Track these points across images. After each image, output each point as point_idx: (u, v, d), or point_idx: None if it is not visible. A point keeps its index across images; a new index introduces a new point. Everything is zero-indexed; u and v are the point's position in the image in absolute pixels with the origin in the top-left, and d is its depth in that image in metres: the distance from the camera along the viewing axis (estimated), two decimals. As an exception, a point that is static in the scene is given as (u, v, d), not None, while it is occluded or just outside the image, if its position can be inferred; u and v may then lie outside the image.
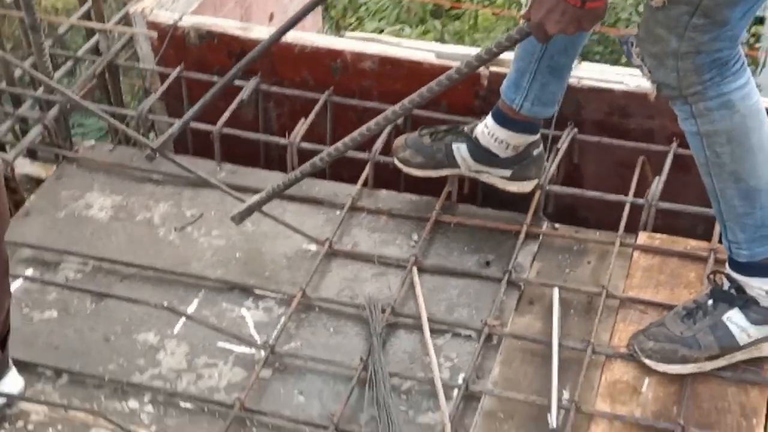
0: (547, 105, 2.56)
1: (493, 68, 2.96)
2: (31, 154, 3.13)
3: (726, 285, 2.30)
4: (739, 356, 2.29)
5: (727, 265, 2.31)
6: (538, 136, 2.66)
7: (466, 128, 2.69)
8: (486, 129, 2.63)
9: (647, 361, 2.31)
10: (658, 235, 2.67)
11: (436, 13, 5.88)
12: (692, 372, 2.29)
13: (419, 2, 5.84)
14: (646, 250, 2.64)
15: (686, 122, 2.16)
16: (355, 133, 2.45)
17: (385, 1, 5.88)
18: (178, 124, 2.74)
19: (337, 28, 5.87)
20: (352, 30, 5.76)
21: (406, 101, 2.36)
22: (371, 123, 2.42)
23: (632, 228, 2.71)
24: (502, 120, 2.59)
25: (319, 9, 4.37)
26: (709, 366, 2.29)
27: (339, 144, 2.49)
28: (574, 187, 2.90)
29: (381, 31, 5.65)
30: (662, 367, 2.30)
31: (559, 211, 2.93)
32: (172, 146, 3.41)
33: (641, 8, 5.13)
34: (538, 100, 2.54)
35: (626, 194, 2.77)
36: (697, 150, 2.19)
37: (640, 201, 2.70)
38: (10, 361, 2.30)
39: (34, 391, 2.34)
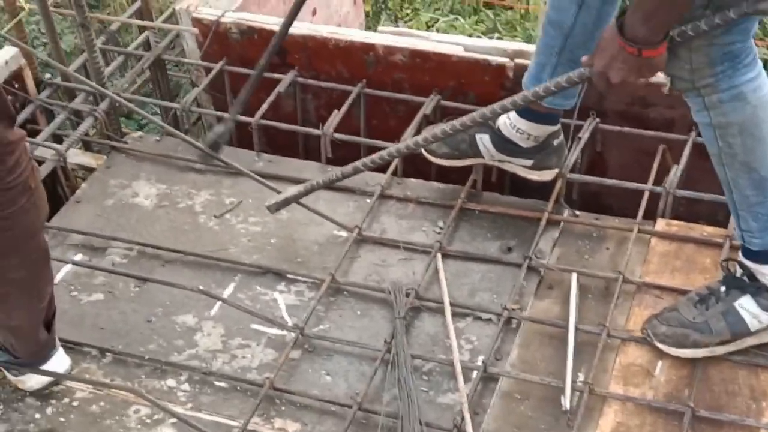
0: (567, 97, 2.51)
1: (519, 60, 2.91)
2: (87, 145, 3.16)
3: (738, 272, 2.24)
4: (750, 341, 2.23)
5: (740, 252, 2.25)
6: (558, 126, 2.61)
7: (489, 120, 2.64)
8: (508, 120, 2.58)
9: (660, 345, 2.26)
10: (676, 222, 2.61)
11: (490, 4, 5.80)
12: (704, 356, 2.24)
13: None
14: (663, 236, 2.58)
15: (699, 114, 2.10)
16: (394, 149, 2.45)
17: (441, -10, 5.83)
18: (224, 126, 2.70)
19: (395, 19, 5.83)
20: (408, 20, 5.72)
21: (457, 122, 2.33)
22: (411, 142, 2.44)
23: (654, 215, 2.66)
24: (524, 111, 2.54)
25: (361, 4, 4.34)
26: (720, 351, 2.23)
27: (375, 156, 2.47)
28: (598, 175, 2.84)
29: (436, 21, 5.60)
30: (674, 351, 2.25)
31: (584, 198, 2.88)
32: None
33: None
34: (560, 93, 2.48)
35: (647, 182, 2.71)
36: (710, 141, 2.12)
37: (659, 189, 2.63)
38: (57, 342, 2.32)
39: (80, 370, 2.37)
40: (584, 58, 2.06)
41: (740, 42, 1.99)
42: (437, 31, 5.29)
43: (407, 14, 5.94)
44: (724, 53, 1.99)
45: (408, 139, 2.47)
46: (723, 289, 2.24)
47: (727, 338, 2.21)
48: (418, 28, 5.26)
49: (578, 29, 2.32)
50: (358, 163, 2.49)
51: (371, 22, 5.57)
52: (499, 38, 4.98)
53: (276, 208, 2.64)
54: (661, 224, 2.61)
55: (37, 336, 2.21)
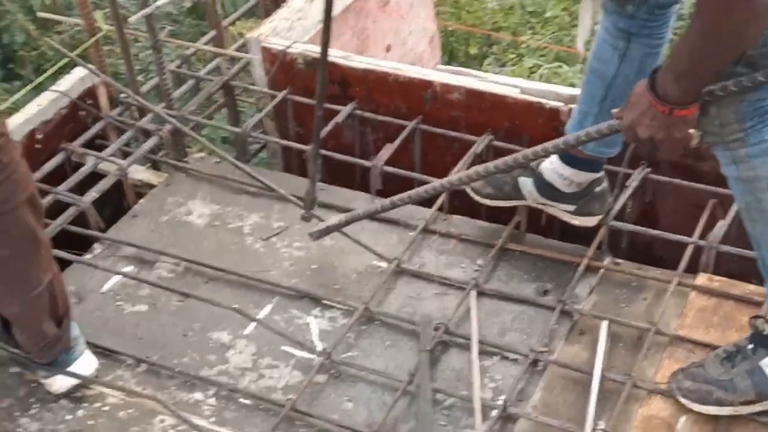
0: (610, 146, 2.50)
1: (573, 105, 2.90)
2: (153, 162, 3.28)
3: (767, 330, 2.19)
4: (776, 403, 2.18)
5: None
6: (601, 173, 2.60)
7: (533, 163, 2.65)
8: (551, 165, 2.59)
9: (683, 400, 2.23)
10: (717, 278, 2.57)
11: None
12: (727, 414, 2.19)
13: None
14: (703, 291, 2.54)
15: (727, 167, 2.08)
16: (429, 186, 2.51)
17: (547, 39, 5.84)
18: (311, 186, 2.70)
19: (502, 65, 5.89)
20: (513, 66, 5.75)
21: (480, 168, 2.38)
22: (446, 181, 2.49)
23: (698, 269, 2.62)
24: (567, 158, 2.55)
25: (437, 44, 4.40)
26: (744, 410, 2.18)
27: (413, 192, 2.52)
28: (649, 225, 2.81)
29: (539, 67, 5.61)
30: (697, 407, 2.21)
31: (635, 248, 2.85)
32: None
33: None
34: (602, 141, 2.48)
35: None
36: (738, 195, 2.10)
37: (702, 243, 2.60)
38: (83, 344, 2.39)
39: (114, 377, 2.45)
40: (615, 111, 2.05)
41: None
42: (540, 77, 5.30)
43: (511, 59, 5.97)
44: (754, 110, 1.97)
45: (449, 177, 2.50)
46: (750, 347, 2.19)
47: (751, 398, 2.16)
48: (521, 74, 5.28)
49: (620, 80, 2.33)
50: (395, 198, 2.53)
51: (477, 64, 5.62)
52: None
53: (318, 236, 2.69)
54: (702, 279, 2.57)
55: (40, 329, 2.27)
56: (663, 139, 1.95)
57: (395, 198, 2.54)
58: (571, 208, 2.63)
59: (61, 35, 5.29)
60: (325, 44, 2.36)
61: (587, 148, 2.50)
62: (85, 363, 2.37)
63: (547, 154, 2.25)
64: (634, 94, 1.97)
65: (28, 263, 2.20)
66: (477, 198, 2.76)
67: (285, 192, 2.86)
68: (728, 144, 2.02)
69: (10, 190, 2.09)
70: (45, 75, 3.37)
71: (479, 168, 2.37)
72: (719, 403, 2.18)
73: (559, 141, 2.20)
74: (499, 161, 2.32)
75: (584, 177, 2.57)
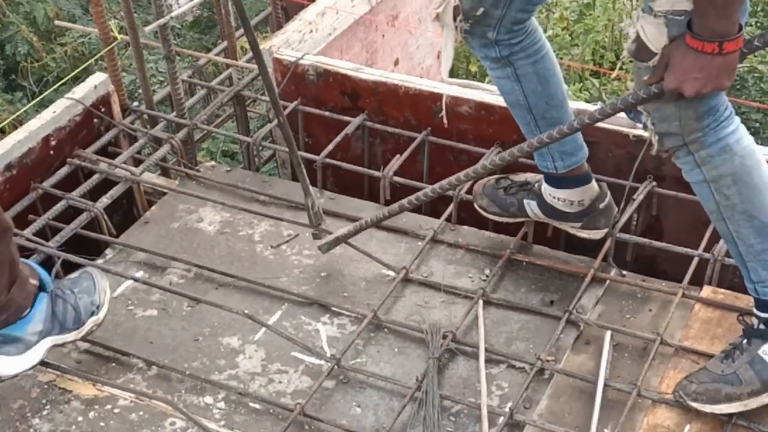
0: (574, 153, 2.55)
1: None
2: (163, 170, 3.31)
3: (756, 323, 2.24)
4: (782, 391, 2.21)
5: (753, 307, 2.25)
6: (599, 189, 2.63)
7: (536, 186, 2.68)
8: (547, 190, 2.63)
9: (693, 404, 2.24)
10: (722, 291, 2.60)
11: (596, 72, 5.82)
12: (738, 411, 2.22)
13: (579, 63, 5.81)
14: (707, 303, 2.57)
15: (692, 173, 2.16)
16: (437, 186, 2.54)
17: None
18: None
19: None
20: None
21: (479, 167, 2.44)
22: (445, 182, 2.53)
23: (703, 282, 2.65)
24: (553, 182, 2.60)
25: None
26: (754, 403, 2.20)
27: (420, 193, 2.57)
28: (654, 239, 2.85)
29: None
30: (709, 408, 2.23)
31: (640, 261, 2.88)
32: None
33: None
34: (564, 154, 2.53)
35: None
36: (707, 197, 2.18)
37: (707, 255, 2.63)
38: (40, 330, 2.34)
39: (125, 380, 2.47)
40: (648, 77, 2.05)
41: (718, 95, 2.06)
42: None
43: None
44: (709, 108, 2.06)
45: (450, 178, 2.53)
46: (745, 341, 2.24)
47: (757, 387, 2.20)
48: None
49: (533, 98, 2.44)
50: (395, 205, 2.58)
51: (477, 82, 5.65)
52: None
53: (327, 248, 2.73)
54: (706, 291, 2.60)
55: None
56: (710, 91, 1.96)
57: (403, 201, 2.58)
58: (578, 224, 2.67)
59: (65, 47, 5.36)
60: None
61: (559, 168, 2.56)
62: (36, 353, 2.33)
63: (552, 141, 2.28)
64: (673, 56, 1.95)
65: None
66: (484, 213, 2.80)
67: (292, 215, 2.95)
68: (689, 146, 2.11)
69: None
70: (49, 90, 3.40)
71: (477, 166, 2.41)
72: (729, 399, 2.20)
73: (573, 120, 2.24)
74: (504, 153, 2.37)
75: (580, 193, 2.60)
